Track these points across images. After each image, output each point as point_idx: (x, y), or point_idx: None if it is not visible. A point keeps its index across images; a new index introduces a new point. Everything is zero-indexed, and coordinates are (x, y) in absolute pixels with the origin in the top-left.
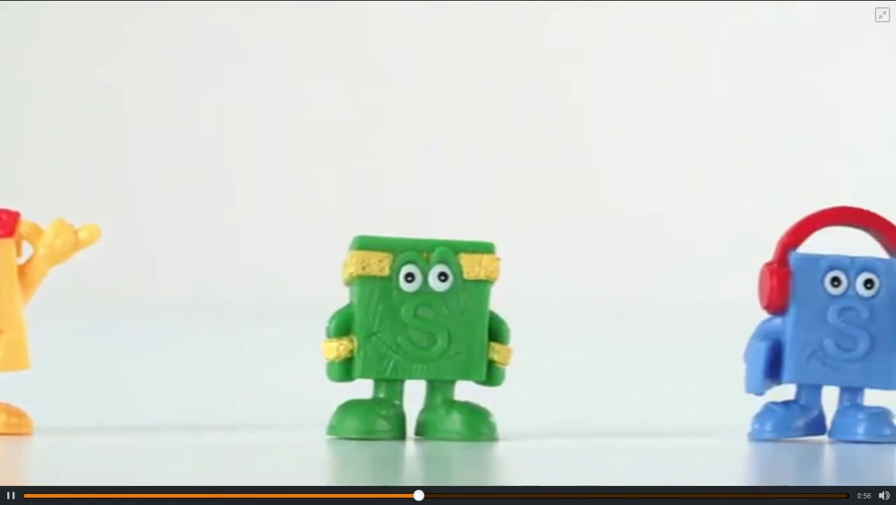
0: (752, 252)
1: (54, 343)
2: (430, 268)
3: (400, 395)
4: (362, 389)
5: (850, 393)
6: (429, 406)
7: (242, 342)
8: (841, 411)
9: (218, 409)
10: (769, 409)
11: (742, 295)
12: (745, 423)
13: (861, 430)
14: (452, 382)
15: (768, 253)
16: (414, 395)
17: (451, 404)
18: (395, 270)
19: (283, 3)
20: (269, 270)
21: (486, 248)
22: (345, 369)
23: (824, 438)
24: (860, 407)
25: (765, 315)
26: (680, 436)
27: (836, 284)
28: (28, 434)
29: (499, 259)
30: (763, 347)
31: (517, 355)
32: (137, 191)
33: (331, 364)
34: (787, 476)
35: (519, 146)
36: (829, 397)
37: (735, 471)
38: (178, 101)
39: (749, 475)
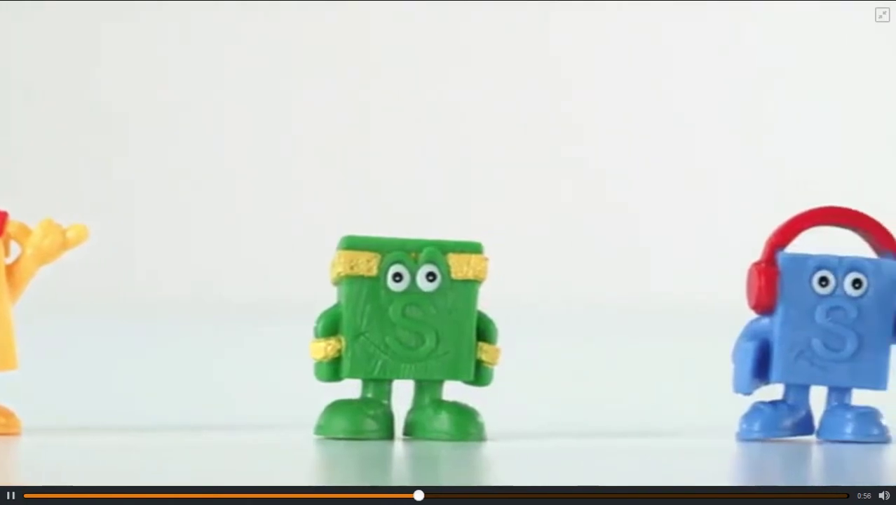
0: (752, 252)
1: (55, 343)
2: (418, 268)
3: (388, 395)
4: (350, 389)
5: (838, 393)
6: (417, 406)
7: (242, 342)
8: (829, 411)
9: (217, 409)
10: (757, 409)
11: (741, 295)
12: (734, 423)
13: (849, 430)
14: (440, 382)
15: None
16: (402, 395)
17: (440, 404)
18: (382, 270)
19: (282, 3)
20: (269, 270)
21: (474, 248)
22: (333, 369)
23: (812, 437)
24: (848, 407)
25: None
26: (672, 436)
27: (824, 283)
28: (16, 434)
29: (487, 259)
30: (751, 347)
31: (514, 355)
32: (137, 191)
33: (318, 364)
34: (776, 476)
35: (518, 146)
36: (818, 397)
37: (723, 471)
38: (177, 102)
39: (737, 475)
